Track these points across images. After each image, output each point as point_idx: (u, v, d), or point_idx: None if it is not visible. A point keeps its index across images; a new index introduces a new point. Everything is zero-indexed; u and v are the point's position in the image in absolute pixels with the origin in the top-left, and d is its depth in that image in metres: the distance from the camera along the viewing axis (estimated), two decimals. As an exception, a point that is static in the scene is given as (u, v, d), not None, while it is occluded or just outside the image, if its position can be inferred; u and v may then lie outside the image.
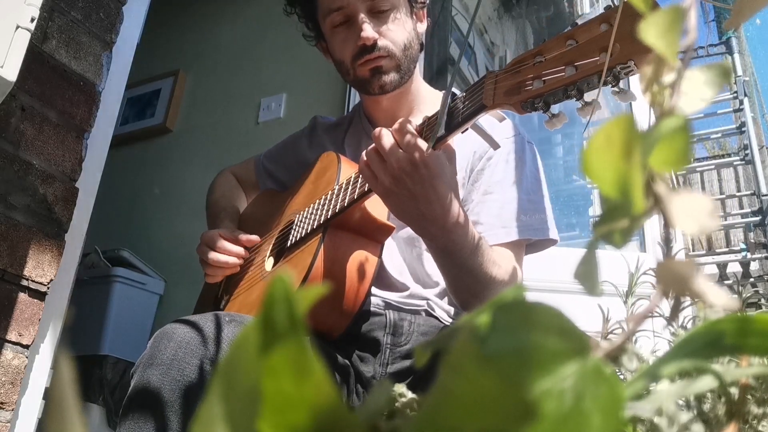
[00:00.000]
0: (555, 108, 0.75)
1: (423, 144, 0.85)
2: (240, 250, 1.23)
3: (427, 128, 0.89)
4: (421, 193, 0.86)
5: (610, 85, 0.69)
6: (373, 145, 0.89)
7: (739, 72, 3.79)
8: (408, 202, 0.87)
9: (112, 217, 2.73)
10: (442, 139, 0.86)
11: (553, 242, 1.15)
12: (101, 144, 1.36)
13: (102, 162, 1.37)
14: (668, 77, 0.22)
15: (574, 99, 0.71)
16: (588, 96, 0.71)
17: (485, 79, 0.81)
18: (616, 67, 0.66)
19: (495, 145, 0.87)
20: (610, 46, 0.65)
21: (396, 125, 0.87)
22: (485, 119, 0.83)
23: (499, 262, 1.00)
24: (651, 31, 0.21)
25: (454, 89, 0.89)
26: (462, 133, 0.85)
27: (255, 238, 1.25)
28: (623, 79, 0.68)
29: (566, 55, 0.71)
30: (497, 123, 1.16)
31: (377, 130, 0.88)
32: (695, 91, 0.21)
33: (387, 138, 0.87)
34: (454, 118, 0.84)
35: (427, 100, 1.26)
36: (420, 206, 0.87)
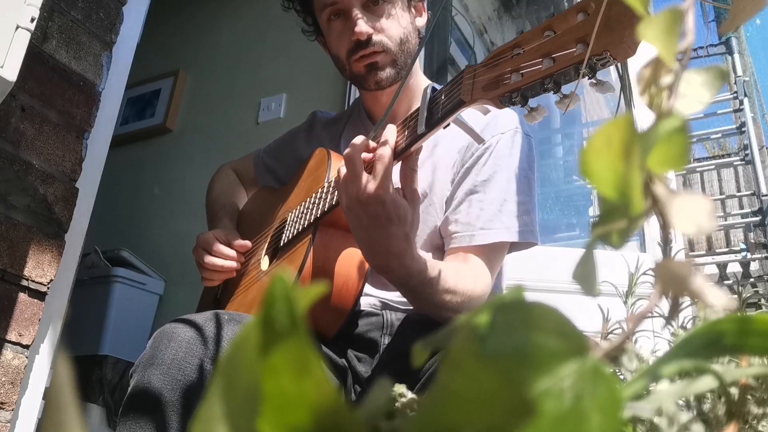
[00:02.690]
0: (533, 102, 0.72)
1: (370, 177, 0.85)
2: (234, 253, 1.23)
3: (409, 126, 0.88)
4: (369, 225, 0.87)
5: (587, 77, 0.67)
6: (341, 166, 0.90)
7: (739, 72, 3.79)
8: (357, 229, 0.89)
9: (112, 217, 2.73)
10: (422, 136, 0.84)
11: (534, 244, 1.13)
12: (101, 144, 1.36)
13: (102, 162, 1.37)
14: (666, 79, 0.22)
15: (552, 92, 0.69)
16: (566, 88, 0.68)
17: (464, 74, 0.79)
18: (592, 58, 0.64)
19: (479, 140, 0.86)
20: (592, 38, 0.62)
21: (346, 153, 0.88)
22: (470, 113, 0.81)
23: (454, 288, 0.97)
24: (649, 33, 0.21)
25: (435, 84, 0.87)
26: (444, 128, 0.84)
27: (247, 243, 1.25)
28: (600, 70, 0.65)
29: (544, 47, 0.69)
30: (500, 115, 1.13)
31: (347, 152, 0.88)
32: (693, 93, 0.21)
33: (344, 167, 0.88)
34: (434, 115, 0.82)
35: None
36: (372, 234, 0.88)
